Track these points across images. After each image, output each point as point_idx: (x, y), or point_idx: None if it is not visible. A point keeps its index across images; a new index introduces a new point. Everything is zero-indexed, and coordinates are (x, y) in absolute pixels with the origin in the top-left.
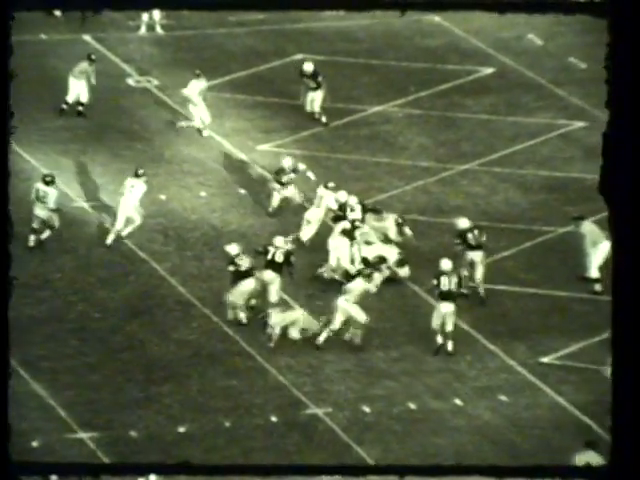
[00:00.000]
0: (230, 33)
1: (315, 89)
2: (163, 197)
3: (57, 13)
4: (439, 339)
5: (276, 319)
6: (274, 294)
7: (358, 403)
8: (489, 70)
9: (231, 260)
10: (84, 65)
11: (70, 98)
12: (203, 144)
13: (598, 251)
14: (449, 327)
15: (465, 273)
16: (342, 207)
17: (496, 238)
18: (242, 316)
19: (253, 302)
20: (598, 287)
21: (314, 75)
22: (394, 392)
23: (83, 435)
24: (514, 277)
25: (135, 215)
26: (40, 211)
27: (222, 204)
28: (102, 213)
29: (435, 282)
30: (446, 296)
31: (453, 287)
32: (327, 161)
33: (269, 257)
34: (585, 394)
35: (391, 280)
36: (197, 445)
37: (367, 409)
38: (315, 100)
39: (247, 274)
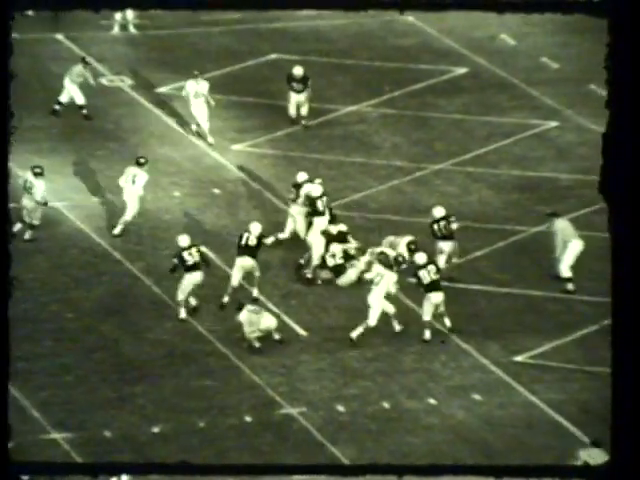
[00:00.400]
0: (204, 32)
1: (301, 91)
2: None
3: (29, 12)
4: (427, 334)
5: (249, 324)
6: (254, 286)
7: (332, 403)
8: (462, 70)
9: (179, 252)
10: (79, 68)
11: (63, 98)
12: (177, 144)
13: (568, 250)
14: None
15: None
16: (313, 201)
17: (469, 238)
18: (181, 311)
19: (194, 303)
20: (570, 286)
21: (304, 80)
22: (368, 391)
23: (57, 436)
24: (487, 277)
25: (137, 205)
26: (28, 202)
27: (196, 204)
28: (76, 211)
29: (415, 279)
30: (432, 287)
31: (434, 277)
32: (301, 161)
33: (242, 242)
34: (558, 393)
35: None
36: (171, 445)
37: (341, 409)
38: (302, 105)
39: (193, 268)
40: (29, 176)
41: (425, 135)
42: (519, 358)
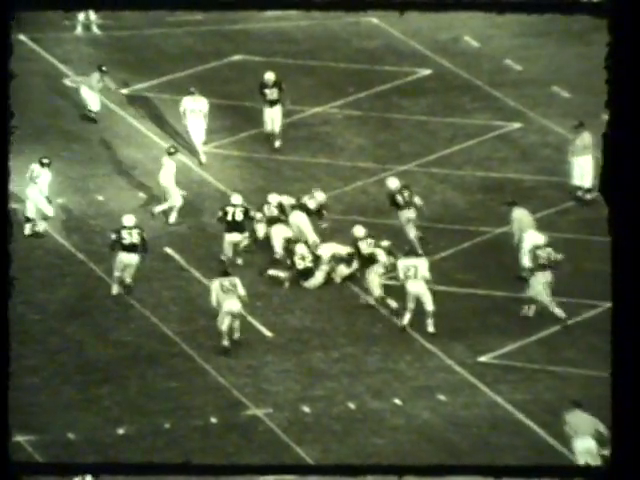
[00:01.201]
0: (168, 33)
1: (275, 103)
2: (101, 198)
3: None
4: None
5: (215, 296)
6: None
7: (298, 403)
8: (426, 72)
9: (119, 229)
10: (96, 76)
11: (93, 107)
12: (141, 145)
13: (525, 241)
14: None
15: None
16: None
17: (434, 239)
18: (114, 287)
19: (128, 280)
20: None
21: (276, 85)
22: (334, 392)
23: (20, 438)
24: (452, 277)
25: (175, 192)
26: (31, 191)
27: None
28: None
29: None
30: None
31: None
32: (266, 162)
33: (229, 218)
34: (522, 393)
35: (330, 281)
36: (136, 447)
37: (307, 409)
38: (275, 120)
39: (129, 248)
40: (36, 166)
41: (390, 136)
42: (483, 358)
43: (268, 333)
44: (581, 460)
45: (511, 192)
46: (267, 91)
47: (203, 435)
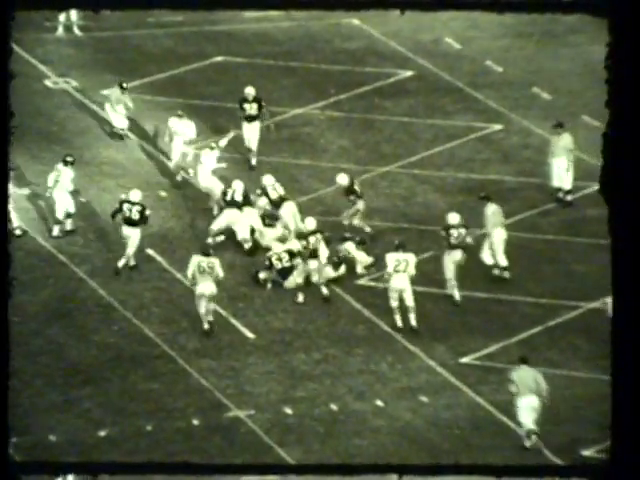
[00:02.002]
0: (149, 34)
1: (253, 119)
2: (83, 199)
3: None
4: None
5: (191, 268)
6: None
7: (280, 405)
8: (408, 73)
9: (122, 201)
10: (117, 94)
11: (117, 124)
12: (123, 146)
13: (492, 237)
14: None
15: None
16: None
17: (415, 240)
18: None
19: (129, 251)
20: (507, 274)
21: (256, 100)
22: (316, 394)
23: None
24: (433, 279)
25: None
26: (58, 193)
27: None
28: (21, 214)
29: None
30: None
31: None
32: (248, 163)
33: (228, 198)
34: (504, 394)
35: (311, 282)
36: (118, 449)
37: (289, 411)
38: (252, 137)
39: (130, 223)
40: (60, 165)
41: (371, 138)
42: (465, 359)
43: (250, 334)
44: (524, 417)
45: (492, 193)
46: (246, 106)
47: (185, 437)
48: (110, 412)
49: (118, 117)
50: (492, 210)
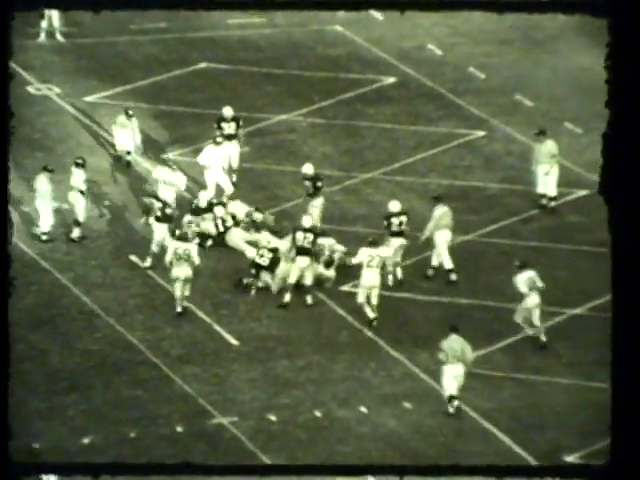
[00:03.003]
0: (132, 41)
1: (231, 138)
2: (66, 206)
3: None
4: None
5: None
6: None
7: (264, 412)
8: (391, 80)
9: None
10: (122, 119)
11: (119, 147)
12: (106, 153)
13: (437, 239)
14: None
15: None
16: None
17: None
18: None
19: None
20: (453, 277)
21: (234, 120)
22: (300, 400)
23: None
24: (416, 285)
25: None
26: (73, 196)
27: (126, 213)
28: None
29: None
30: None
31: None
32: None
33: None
34: (487, 400)
35: (298, 288)
36: (102, 456)
37: (273, 418)
38: (232, 155)
39: (161, 219)
40: (73, 168)
41: (354, 144)
42: None
43: (234, 341)
44: (447, 384)
45: (475, 200)
46: (224, 125)
47: (169, 444)
48: (94, 419)
49: (123, 141)
50: (441, 212)
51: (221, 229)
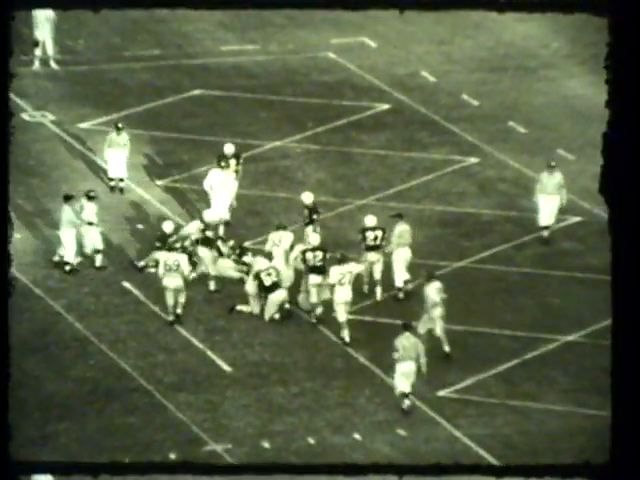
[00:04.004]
0: (126, 68)
1: (234, 172)
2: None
3: None
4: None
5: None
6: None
7: (258, 439)
8: (384, 106)
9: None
10: (113, 136)
11: (111, 173)
12: (99, 179)
13: (395, 256)
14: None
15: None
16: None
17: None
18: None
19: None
20: (401, 295)
21: (235, 156)
22: (294, 427)
23: None
24: (411, 311)
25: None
26: (86, 229)
27: (120, 239)
28: None
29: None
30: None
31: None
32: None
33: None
34: (481, 427)
35: (290, 315)
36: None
37: (267, 445)
38: (230, 191)
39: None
40: (83, 200)
41: (348, 170)
42: (443, 393)
43: (227, 368)
44: (400, 381)
45: (469, 226)
46: (224, 162)
47: (162, 471)
48: (87, 446)
49: (116, 165)
50: (401, 229)
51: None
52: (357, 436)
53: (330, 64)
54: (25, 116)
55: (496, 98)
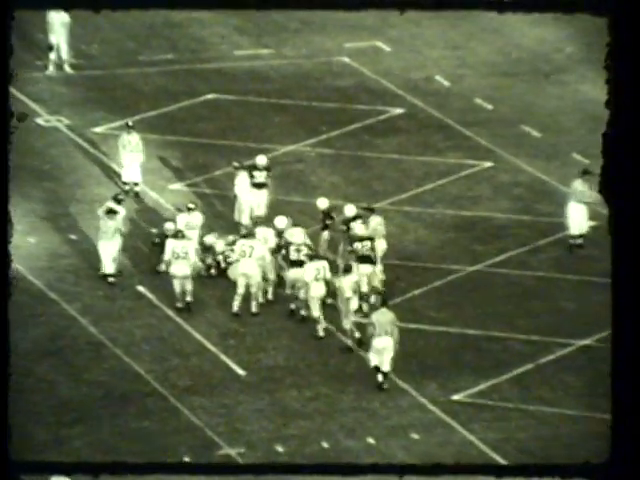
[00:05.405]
0: (140, 73)
1: (262, 186)
2: (74, 237)
3: None
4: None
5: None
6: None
7: (271, 443)
8: (398, 110)
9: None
10: (125, 137)
11: (125, 177)
12: (114, 184)
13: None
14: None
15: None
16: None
17: (407, 277)
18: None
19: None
20: (365, 308)
21: (266, 169)
22: (307, 431)
23: None
24: (425, 315)
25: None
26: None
27: (133, 244)
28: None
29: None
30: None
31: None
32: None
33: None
34: (495, 432)
35: (304, 319)
36: None
37: (280, 449)
38: (260, 203)
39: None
40: (110, 203)
41: (362, 175)
42: (457, 397)
43: (241, 372)
44: (373, 358)
45: (483, 230)
46: (256, 173)
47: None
48: (101, 451)
49: (130, 169)
50: (375, 222)
51: (222, 265)
52: (371, 440)
53: (344, 68)
54: (40, 121)
55: (510, 102)
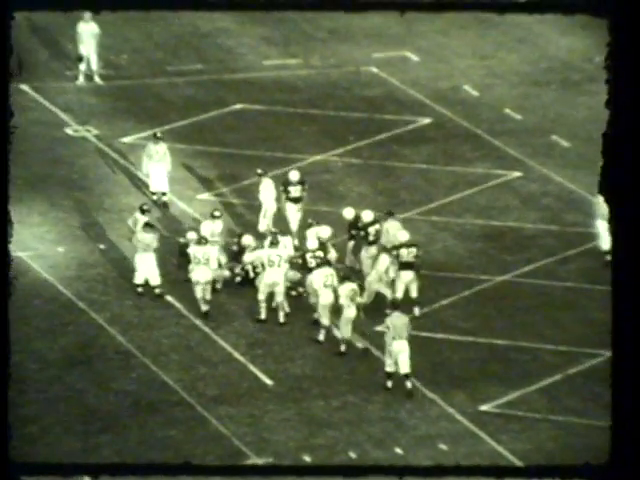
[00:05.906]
0: (169, 83)
1: (297, 200)
2: (102, 246)
3: None
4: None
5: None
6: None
7: (299, 453)
8: (426, 120)
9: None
10: (151, 146)
11: (153, 187)
12: (142, 194)
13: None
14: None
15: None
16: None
17: (435, 287)
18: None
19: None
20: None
21: (301, 183)
22: (335, 441)
23: None
24: (453, 325)
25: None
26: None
27: (161, 253)
28: (40, 261)
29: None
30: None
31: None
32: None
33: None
34: (524, 442)
35: (329, 332)
36: None
37: (308, 459)
38: (295, 218)
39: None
40: (137, 214)
41: (390, 184)
42: (485, 407)
43: (268, 381)
44: (391, 361)
45: (511, 240)
46: (291, 188)
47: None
48: (128, 459)
49: (158, 179)
50: (389, 226)
51: (251, 275)
52: (399, 450)
53: (372, 78)
54: (69, 131)
55: (539, 112)
